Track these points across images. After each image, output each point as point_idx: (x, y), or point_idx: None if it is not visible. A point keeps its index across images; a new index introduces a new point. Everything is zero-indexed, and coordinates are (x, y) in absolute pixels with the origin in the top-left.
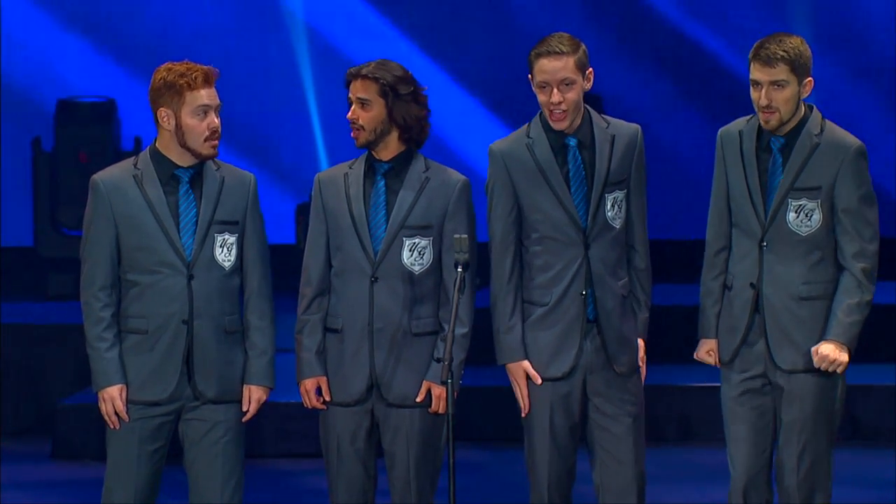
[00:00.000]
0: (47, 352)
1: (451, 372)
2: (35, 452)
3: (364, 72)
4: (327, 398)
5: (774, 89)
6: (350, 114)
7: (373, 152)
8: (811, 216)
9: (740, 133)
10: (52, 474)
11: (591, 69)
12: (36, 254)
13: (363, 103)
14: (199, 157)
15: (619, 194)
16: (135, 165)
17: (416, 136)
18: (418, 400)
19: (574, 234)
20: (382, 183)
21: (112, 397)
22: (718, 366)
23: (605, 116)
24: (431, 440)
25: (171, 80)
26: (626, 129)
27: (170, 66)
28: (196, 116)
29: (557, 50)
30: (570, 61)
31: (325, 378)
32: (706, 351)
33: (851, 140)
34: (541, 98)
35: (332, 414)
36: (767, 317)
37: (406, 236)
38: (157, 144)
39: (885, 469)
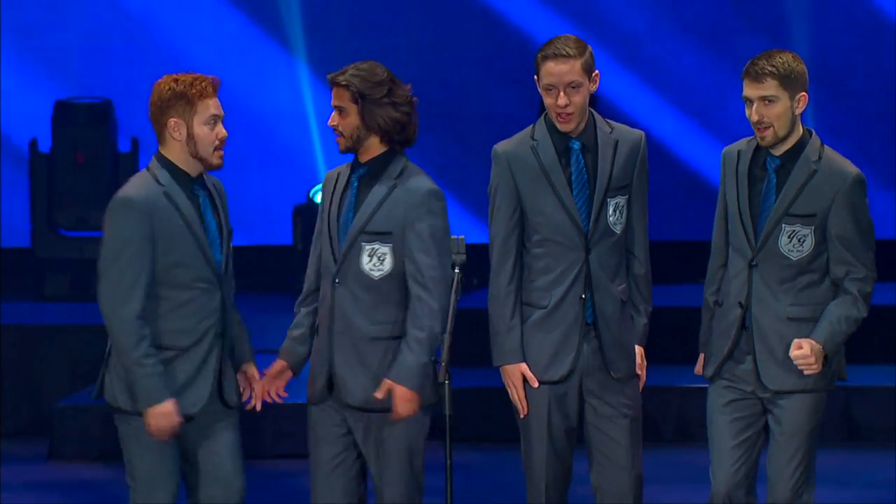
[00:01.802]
0: (44, 353)
1: (448, 373)
2: (32, 453)
3: (338, 79)
4: (283, 393)
5: (765, 105)
6: (330, 121)
7: (357, 155)
8: (804, 242)
9: (739, 153)
10: (48, 475)
11: (597, 72)
12: (33, 255)
13: (340, 110)
14: (208, 168)
15: (621, 200)
16: (157, 181)
17: (396, 137)
18: (378, 397)
19: (575, 238)
20: (355, 186)
21: (170, 412)
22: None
23: (609, 121)
24: (400, 441)
25: (181, 91)
26: (630, 134)
27: (175, 77)
28: (206, 125)
29: (564, 52)
30: (576, 64)
31: (290, 371)
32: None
33: (850, 169)
34: (547, 101)
35: (310, 413)
36: (756, 336)
37: (365, 241)
38: (167, 157)
39: (884, 469)
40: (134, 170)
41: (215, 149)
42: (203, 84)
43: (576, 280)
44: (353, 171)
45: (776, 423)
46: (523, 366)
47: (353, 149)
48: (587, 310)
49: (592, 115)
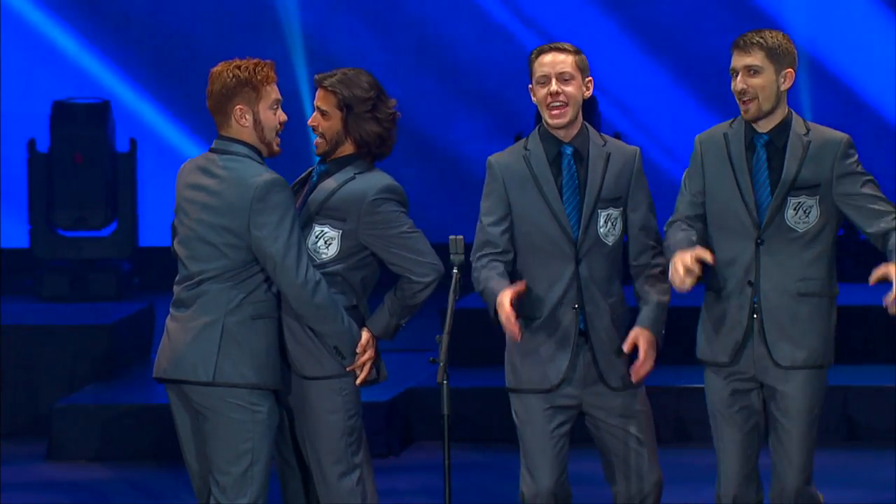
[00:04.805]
0: (42, 353)
1: (446, 373)
2: (30, 453)
3: (326, 83)
4: None
5: (749, 75)
6: (311, 120)
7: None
8: (809, 213)
9: (725, 136)
10: (47, 475)
11: (591, 77)
12: (31, 255)
13: (322, 113)
14: (270, 153)
15: (614, 212)
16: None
17: (374, 150)
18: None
19: (565, 247)
20: (314, 181)
21: None
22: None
23: (603, 135)
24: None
25: (246, 77)
26: (624, 149)
27: (235, 63)
28: (271, 110)
29: (559, 47)
30: (570, 58)
31: None
32: (681, 259)
33: (840, 134)
34: (540, 94)
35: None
36: (765, 314)
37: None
38: (249, 143)
39: (884, 469)
40: (132, 170)
41: (277, 133)
42: (266, 69)
43: (567, 290)
44: (315, 168)
45: (780, 411)
46: (507, 292)
47: (330, 153)
48: (579, 319)
49: (586, 127)
